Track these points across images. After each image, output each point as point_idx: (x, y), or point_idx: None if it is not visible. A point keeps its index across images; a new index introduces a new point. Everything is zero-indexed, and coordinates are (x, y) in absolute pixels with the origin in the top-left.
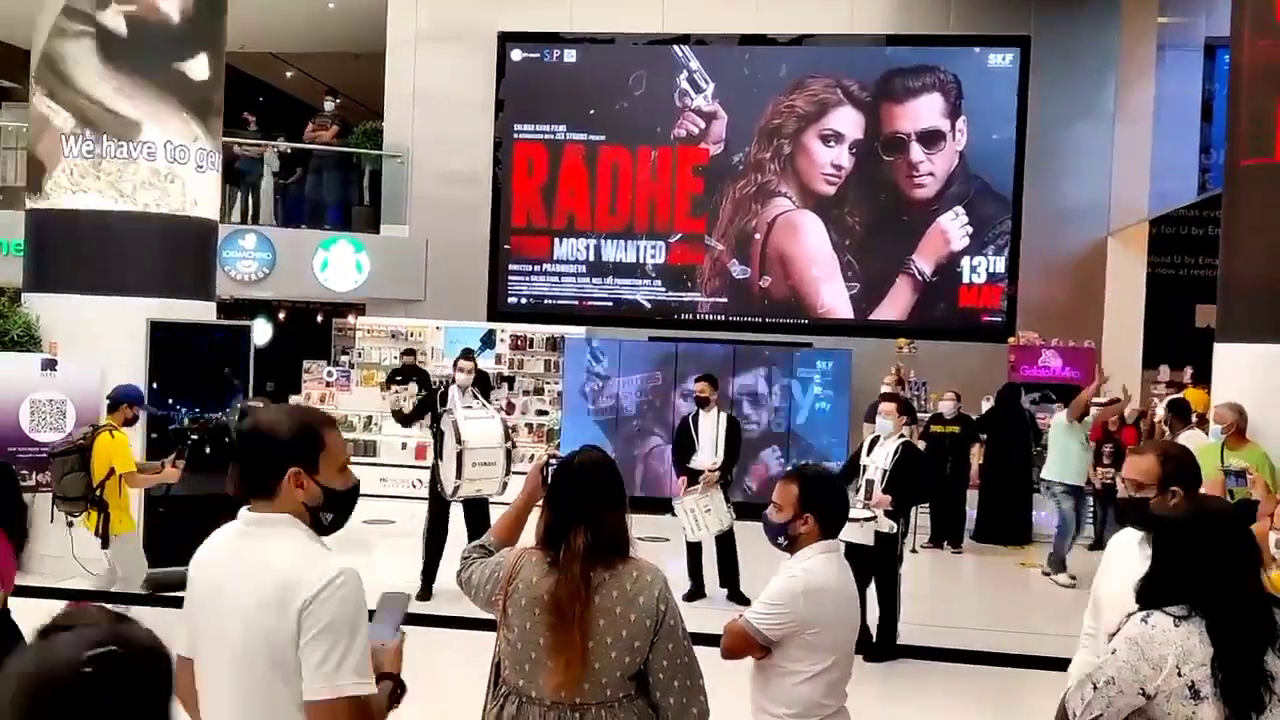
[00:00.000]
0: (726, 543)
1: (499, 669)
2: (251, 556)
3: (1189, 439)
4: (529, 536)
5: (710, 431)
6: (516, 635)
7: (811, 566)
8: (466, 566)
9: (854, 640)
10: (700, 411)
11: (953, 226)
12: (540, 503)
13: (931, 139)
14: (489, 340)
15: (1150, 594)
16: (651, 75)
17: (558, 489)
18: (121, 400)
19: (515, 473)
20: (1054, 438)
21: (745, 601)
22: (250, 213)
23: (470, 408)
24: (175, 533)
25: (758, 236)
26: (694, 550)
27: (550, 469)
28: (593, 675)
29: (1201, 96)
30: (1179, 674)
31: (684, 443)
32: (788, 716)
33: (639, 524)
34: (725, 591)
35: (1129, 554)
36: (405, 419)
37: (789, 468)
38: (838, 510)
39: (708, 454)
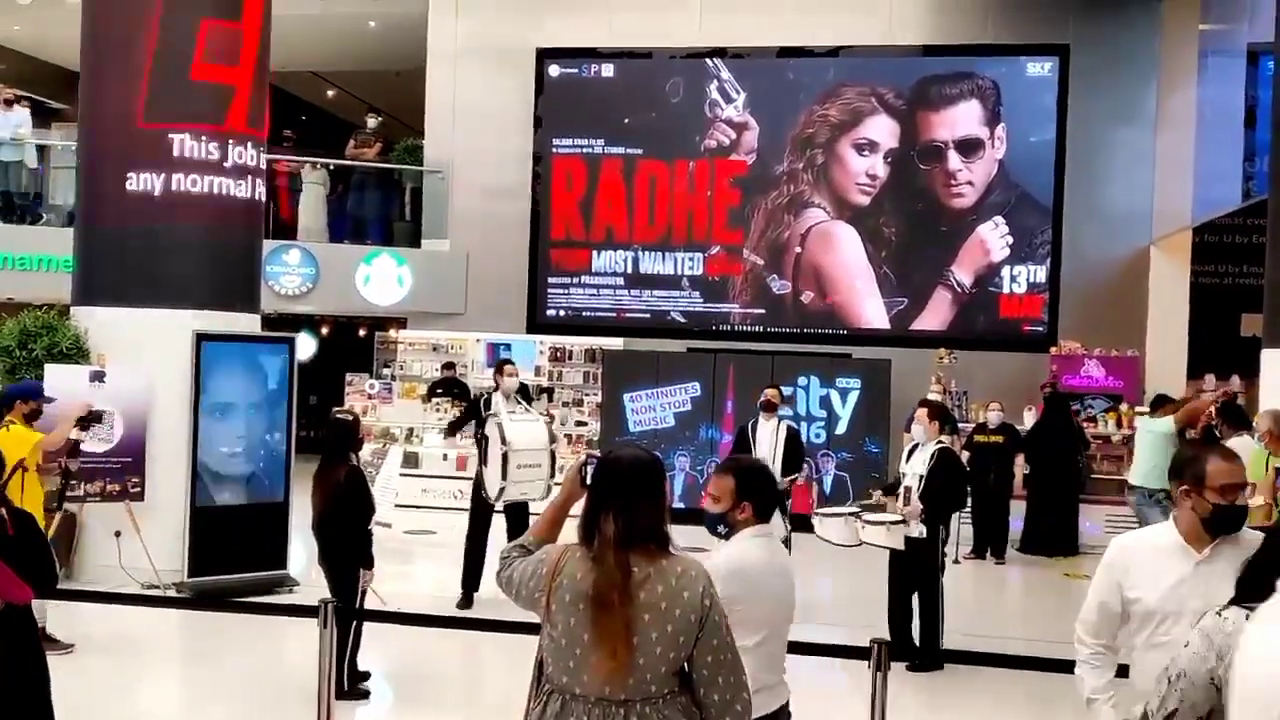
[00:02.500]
0: None
1: (542, 667)
2: None
3: (1239, 445)
4: (568, 535)
5: (769, 440)
6: (560, 631)
7: (741, 548)
8: (506, 566)
9: (788, 616)
10: (760, 420)
11: (992, 236)
12: (580, 503)
13: (970, 147)
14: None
15: (1244, 590)
16: (685, 86)
17: (599, 484)
18: (13, 397)
19: (558, 483)
20: (1151, 444)
21: None
22: (294, 228)
23: (514, 412)
24: (217, 542)
25: (793, 249)
26: None
27: (589, 469)
28: (637, 671)
29: (1245, 103)
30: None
31: (742, 451)
32: None
33: (680, 535)
34: None
35: (1166, 560)
36: (451, 429)
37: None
38: (770, 496)
39: None
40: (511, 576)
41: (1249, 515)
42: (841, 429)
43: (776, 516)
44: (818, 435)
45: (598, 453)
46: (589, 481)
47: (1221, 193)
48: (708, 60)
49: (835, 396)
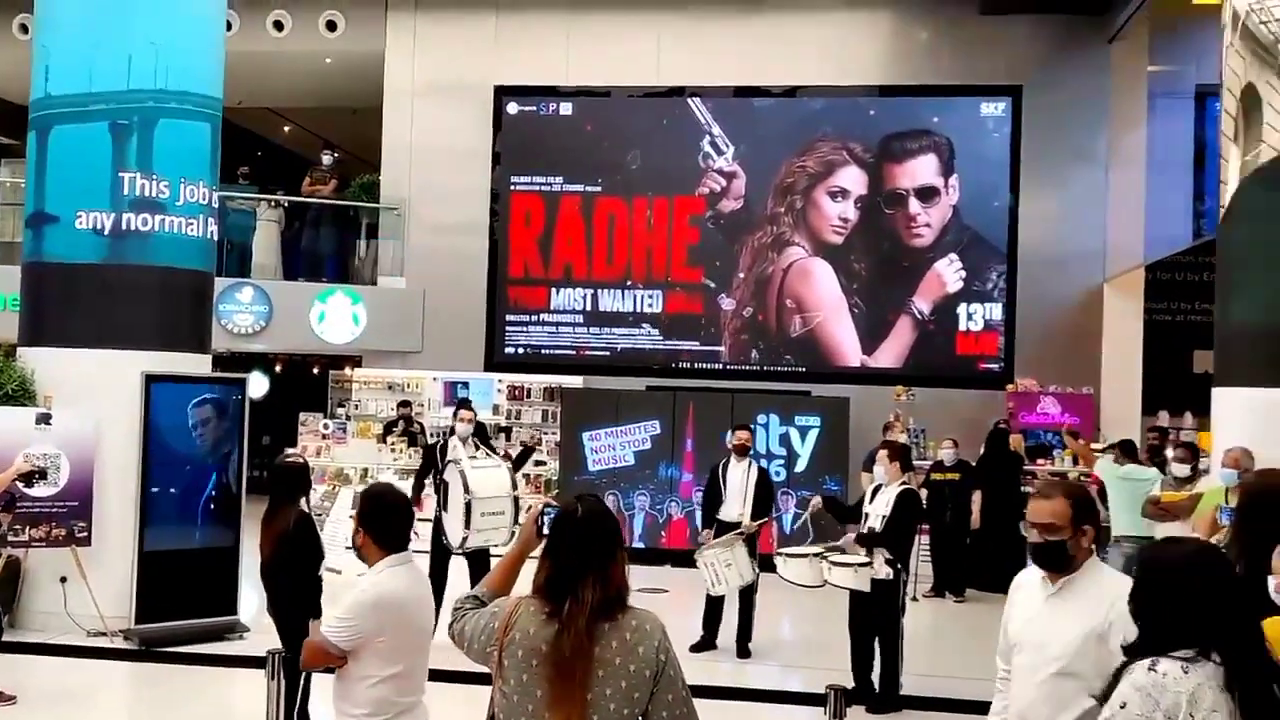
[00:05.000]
0: (747, 598)
1: None
2: None
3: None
4: (522, 586)
5: (739, 482)
6: (512, 687)
7: (381, 579)
8: (459, 618)
9: (427, 641)
10: (731, 461)
11: (948, 271)
12: (536, 552)
13: (927, 194)
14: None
15: (1155, 640)
16: (666, 133)
17: (559, 539)
18: None
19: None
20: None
21: (749, 655)
22: (246, 266)
23: (475, 457)
24: (166, 587)
25: (776, 282)
26: (714, 601)
27: (546, 518)
28: None
29: (1194, 143)
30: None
31: (713, 493)
32: (364, 716)
33: (640, 576)
34: (736, 647)
35: (1033, 593)
36: (417, 486)
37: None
38: (389, 525)
39: (735, 505)
40: (464, 629)
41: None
42: (801, 466)
43: (737, 555)
44: (778, 473)
45: (555, 501)
46: (545, 531)
47: (1172, 231)
48: (697, 112)
49: (795, 434)
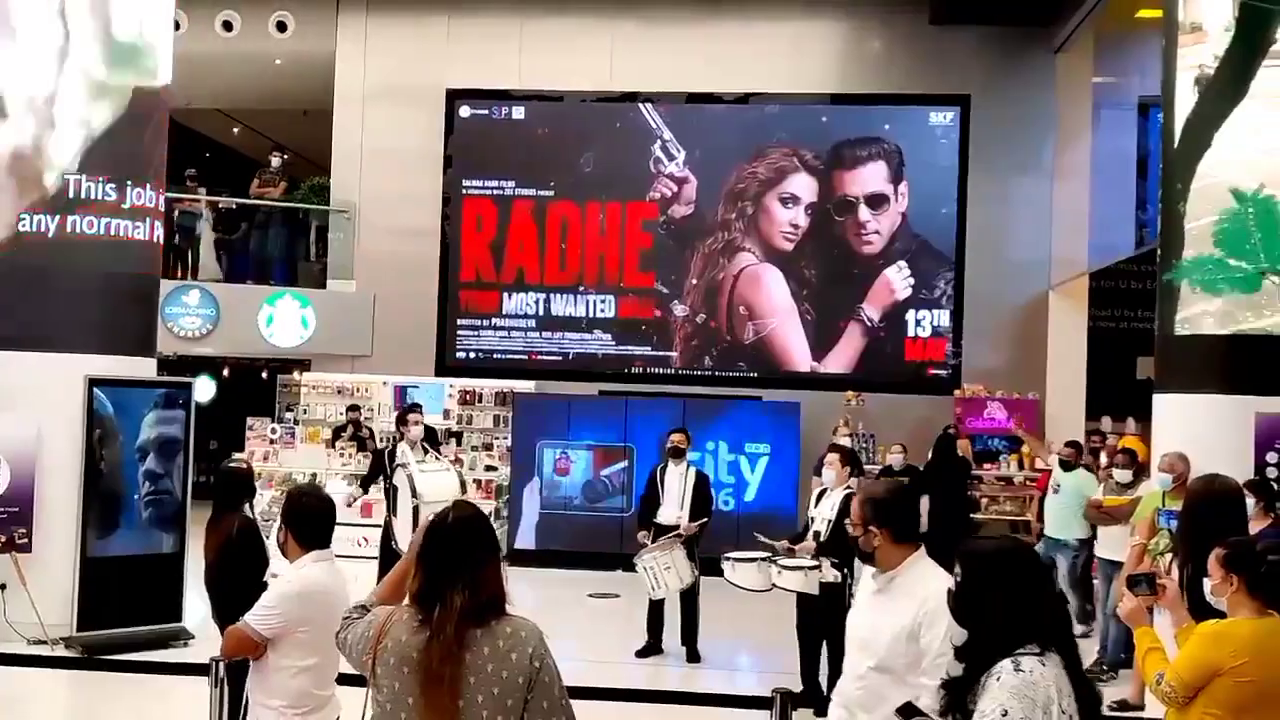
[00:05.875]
0: (690, 600)
1: None
2: None
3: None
4: None
5: (677, 486)
6: (385, 695)
7: (306, 573)
8: (345, 627)
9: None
10: (669, 465)
11: (897, 278)
12: None
13: (877, 201)
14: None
15: (996, 639)
16: (619, 138)
17: (430, 547)
18: None
19: None
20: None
21: (699, 659)
22: (193, 269)
23: (423, 461)
24: (109, 594)
25: (726, 289)
26: (656, 605)
27: None
28: None
29: (1137, 153)
30: (1062, 711)
31: (650, 496)
32: (281, 708)
33: (590, 581)
34: (684, 650)
35: (866, 587)
36: (364, 485)
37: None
38: (311, 523)
39: (673, 508)
40: (347, 638)
41: (1130, 552)
42: (752, 471)
43: (676, 558)
44: (726, 502)
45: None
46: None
47: (1116, 240)
48: (648, 118)
49: (746, 441)
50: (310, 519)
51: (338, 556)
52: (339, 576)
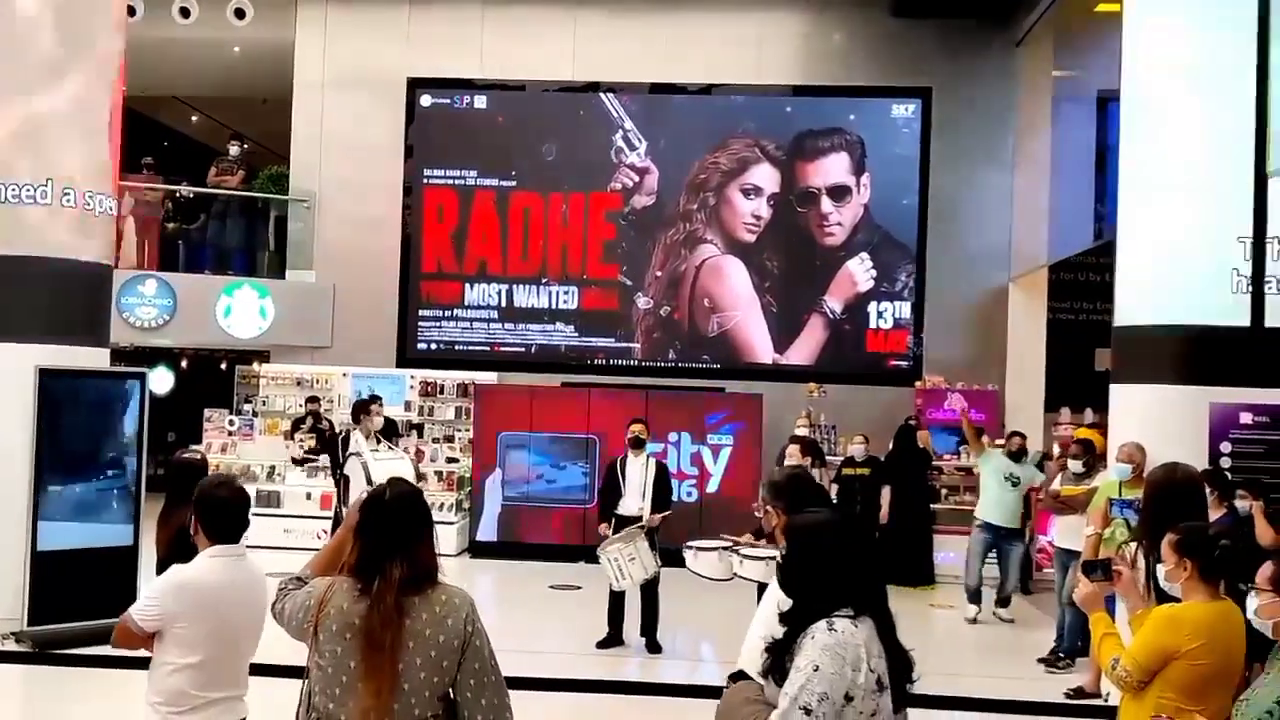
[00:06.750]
0: (650, 591)
1: (311, 697)
2: None
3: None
4: None
5: (638, 477)
6: (327, 660)
7: (197, 564)
8: (281, 598)
9: (242, 637)
10: (629, 456)
11: (859, 270)
12: None
13: (839, 193)
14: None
15: (815, 604)
16: (581, 128)
17: (369, 522)
18: None
19: None
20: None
21: (660, 650)
22: (149, 258)
23: (376, 450)
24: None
25: (688, 280)
26: (616, 597)
27: None
28: (402, 697)
29: (1096, 147)
30: (871, 670)
31: (611, 487)
32: (159, 705)
33: (552, 573)
34: (644, 641)
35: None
36: (302, 460)
37: None
38: (219, 516)
39: (634, 499)
40: (284, 608)
41: (1086, 542)
42: (714, 462)
43: (640, 549)
44: (689, 493)
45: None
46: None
47: (1075, 233)
48: (610, 107)
49: (709, 432)
50: (217, 511)
51: (297, 549)
52: (246, 573)
